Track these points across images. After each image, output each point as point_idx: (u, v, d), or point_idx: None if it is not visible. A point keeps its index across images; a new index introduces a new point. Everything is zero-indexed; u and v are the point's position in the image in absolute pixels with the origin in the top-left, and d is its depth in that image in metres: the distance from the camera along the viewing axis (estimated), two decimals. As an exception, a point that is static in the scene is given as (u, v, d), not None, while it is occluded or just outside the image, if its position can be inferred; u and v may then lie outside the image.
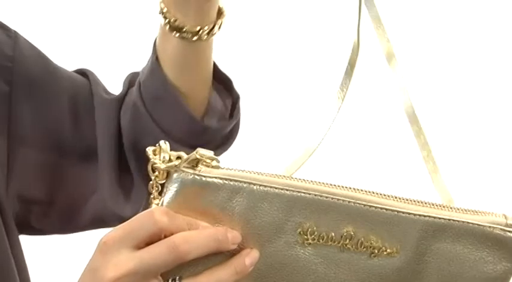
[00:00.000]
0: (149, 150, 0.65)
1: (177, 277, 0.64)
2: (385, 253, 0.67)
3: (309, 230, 0.66)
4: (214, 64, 0.92)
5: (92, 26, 1.95)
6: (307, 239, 0.66)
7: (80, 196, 0.94)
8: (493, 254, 0.68)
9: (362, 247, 0.67)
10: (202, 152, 0.65)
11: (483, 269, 0.69)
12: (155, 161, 0.64)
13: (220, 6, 0.87)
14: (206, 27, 0.86)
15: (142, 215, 0.63)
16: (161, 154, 0.64)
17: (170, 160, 0.64)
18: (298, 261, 0.66)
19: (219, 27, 0.87)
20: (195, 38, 0.86)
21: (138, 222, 0.63)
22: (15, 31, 0.92)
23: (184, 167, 0.64)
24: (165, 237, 0.63)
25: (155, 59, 0.90)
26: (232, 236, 0.64)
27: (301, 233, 0.66)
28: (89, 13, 1.96)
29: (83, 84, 0.95)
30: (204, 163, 0.64)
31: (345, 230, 0.66)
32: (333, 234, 0.66)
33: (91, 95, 0.94)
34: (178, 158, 0.64)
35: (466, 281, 0.69)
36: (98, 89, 0.95)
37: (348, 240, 0.66)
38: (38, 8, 1.94)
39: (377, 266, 0.67)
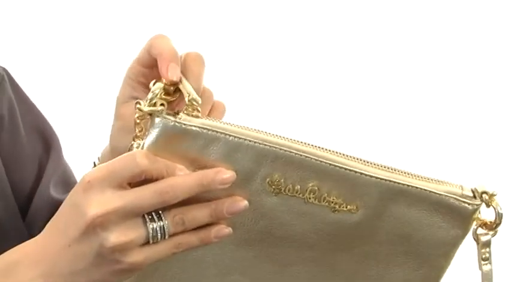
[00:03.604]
0: None
1: (160, 211, 0.67)
2: (345, 209, 0.72)
3: (277, 181, 0.71)
4: None
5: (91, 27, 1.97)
6: (275, 189, 0.71)
7: None
8: (447, 220, 0.73)
9: (325, 202, 0.72)
10: (193, 96, 0.69)
11: (435, 233, 0.74)
12: (140, 102, 0.69)
13: None
14: None
15: (124, 156, 0.67)
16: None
17: (155, 104, 0.69)
18: (264, 207, 0.71)
19: None
20: None
21: (121, 164, 0.67)
22: (4, 68, 0.92)
23: (166, 113, 0.68)
24: (145, 178, 0.67)
25: None
26: (221, 178, 0.68)
27: (270, 183, 0.71)
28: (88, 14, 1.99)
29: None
30: (185, 112, 0.69)
31: (310, 185, 0.71)
32: (299, 187, 0.71)
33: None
34: (162, 104, 0.68)
35: (418, 242, 0.74)
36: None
37: (312, 194, 0.71)
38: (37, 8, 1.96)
39: (337, 219, 0.72)
